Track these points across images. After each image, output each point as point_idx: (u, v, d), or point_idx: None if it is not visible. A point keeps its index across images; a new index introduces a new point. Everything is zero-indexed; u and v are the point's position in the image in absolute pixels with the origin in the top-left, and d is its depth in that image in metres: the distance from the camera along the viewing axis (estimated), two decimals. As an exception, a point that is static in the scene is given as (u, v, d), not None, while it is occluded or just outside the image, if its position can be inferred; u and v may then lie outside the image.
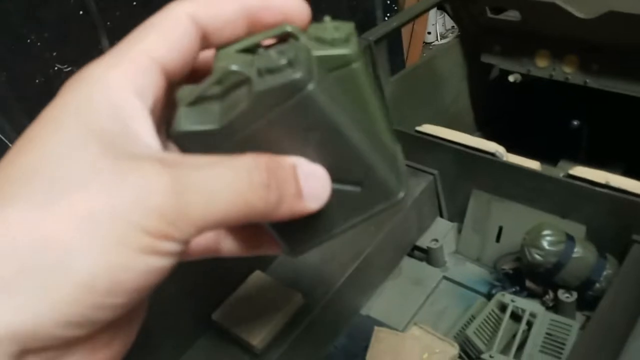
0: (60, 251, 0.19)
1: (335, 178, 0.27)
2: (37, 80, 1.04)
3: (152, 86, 0.24)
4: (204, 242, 0.28)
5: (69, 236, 0.20)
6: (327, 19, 0.26)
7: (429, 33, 2.74)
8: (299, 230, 0.28)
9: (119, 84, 0.23)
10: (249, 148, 0.25)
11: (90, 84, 0.23)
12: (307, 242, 0.29)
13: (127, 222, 0.20)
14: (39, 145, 0.21)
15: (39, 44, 1.02)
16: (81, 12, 1.05)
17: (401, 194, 0.28)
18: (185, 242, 0.22)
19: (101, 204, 0.20)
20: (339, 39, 0.25)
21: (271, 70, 0.24)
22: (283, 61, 0.23)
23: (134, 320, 0.25)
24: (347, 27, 0.26)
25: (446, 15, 2.65)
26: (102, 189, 0.20)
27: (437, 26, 2.77)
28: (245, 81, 0.25)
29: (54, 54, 1.05)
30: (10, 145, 1.02)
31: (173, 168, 0.21)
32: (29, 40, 1.01)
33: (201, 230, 0.22)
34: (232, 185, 0.23)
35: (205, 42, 0.25)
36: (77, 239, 0.20)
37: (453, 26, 2.69)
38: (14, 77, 1.01)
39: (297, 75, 0.23)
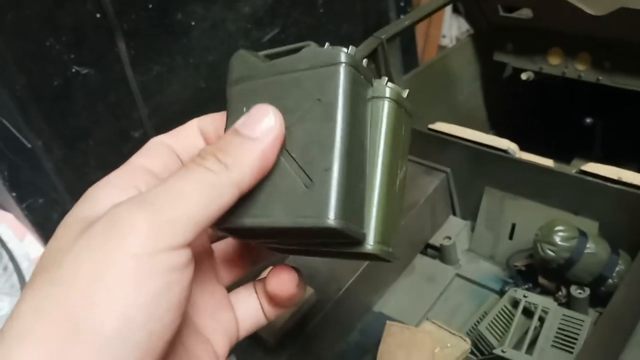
0: None
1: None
2: (55, 83, 1.06)
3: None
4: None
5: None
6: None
7: (444, 36, 2.73)
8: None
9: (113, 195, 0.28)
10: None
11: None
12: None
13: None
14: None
15: (57, 47, 1.04)
16: (98, 15, 1.06)
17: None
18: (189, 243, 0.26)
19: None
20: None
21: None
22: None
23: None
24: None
25: (461, 18, 2.64)
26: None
27: (452, 29, 2.76)
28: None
29: (72, 56, 1.07)
30: (28, 145, 1.04)
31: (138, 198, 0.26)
32: (47, 44, 1.03)
33: (197, 227, 0.26)
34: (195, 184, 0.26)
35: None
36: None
37: (468, 29, 2.69)
38: (33, 79, 1.02)
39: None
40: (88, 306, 0.22)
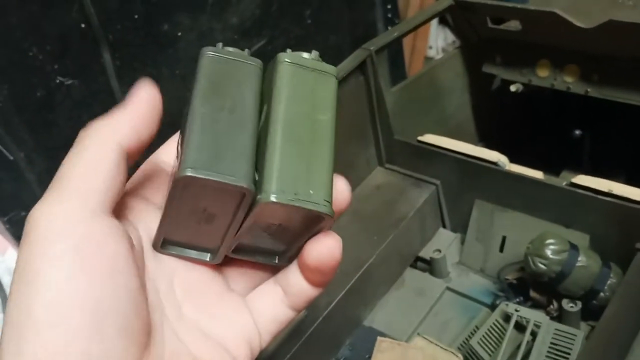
0: None
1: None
2: (38, 94, 1.04)
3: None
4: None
5: None
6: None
7: (430, 47, 2.75)
8: None
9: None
10: None
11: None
12: None
13: None
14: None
15: (40, 57, 1.02)
16: (83, 26, 1.05)
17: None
18: None
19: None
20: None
21: None
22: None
23: None
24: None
25: (447, 29, 2.66)
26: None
27: (439, 40, 2.77)
28: None
29: (56, 67, 1.05)
30: (10, 157, 1.02)
31: None
32: (30, 54, 1.01)
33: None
34: None
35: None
36: None
37: (454, 41, 2.70)
38: (16, 90, 1.01)
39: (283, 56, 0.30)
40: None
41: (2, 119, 0.99)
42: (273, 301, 0.33)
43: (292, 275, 0.32)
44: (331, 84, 0.31)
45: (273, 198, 0.27)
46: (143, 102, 0.29)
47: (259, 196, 0.27)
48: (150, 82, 0.30)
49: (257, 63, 0.31)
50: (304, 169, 0.28)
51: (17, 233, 1.04)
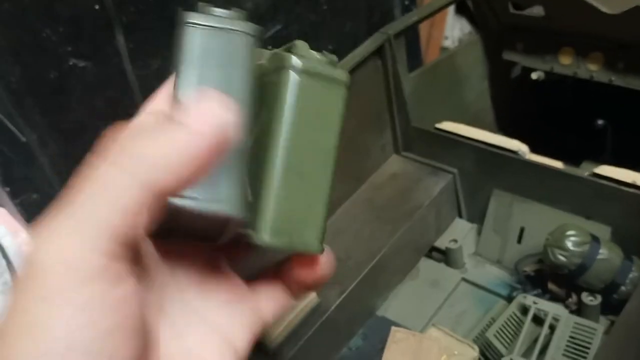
0: None
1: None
2: (51, 76, 1.03)
3: None
4: None
5: None
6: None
7: (446, 38, 2.71)
8: None
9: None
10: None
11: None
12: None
13: None
14: None
15: (53, 38, 1.01)
16: (97, 7, 1.04)
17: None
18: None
19: None
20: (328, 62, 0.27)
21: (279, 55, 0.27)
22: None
23: None
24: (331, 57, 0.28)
25: (464, 20, 2.63)
26: None
27: (455, 31, 2.74)
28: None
29: (69, 49, 1.04)
30: (23, 139, 1.01)
31: None
32: (44, 35, 1.00)
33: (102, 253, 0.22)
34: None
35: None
36: None
37: (471, 31, 2.66)
38: (28, 71, 1.00)
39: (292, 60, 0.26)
40: None
41: (15, 101, 0.99)
42: (274, 288, 0.32)
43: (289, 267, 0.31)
44: (340, 97, 0.28)
45: (267, 239, 0.26)
46: (210, 136, 0.22)
47: (251, 231, 0.26)
48: (232, 105, 0.23)
49: (249, 30, 0.26)
50: (301, 204, 0.27)
51: (28, 216, 1.03)
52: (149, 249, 0.29)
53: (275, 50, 0.29)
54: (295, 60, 0.26)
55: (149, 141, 0.22)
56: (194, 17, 0.25)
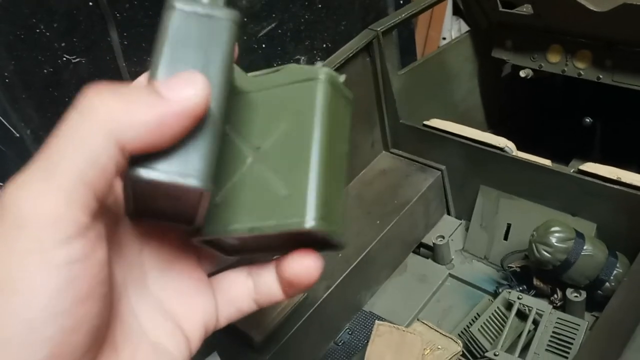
0: None
1: (272, 161, 0.29)
2: (45, 70, 1.04)
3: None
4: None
5: None
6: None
7: (444, 38, 2.72)
8: (214, 213, 0.29)
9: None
10: None
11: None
12: (206, 229, 0.29)
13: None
14: None
15: (48, 34, 1.02)
16: (90, 3, 1.05)
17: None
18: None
19: None
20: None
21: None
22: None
23: None
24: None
25: (462, 21, 2.63)
26: None
27: (453, 31, 2.74)
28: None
29: (63, 44, 1.05)
30: (16, 134, 1.02)
31: None
32: (38, 30, 1.01)
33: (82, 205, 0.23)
34: None
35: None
36: None
37: (468, 31, 2.66)
38: (22, 66, 1.01)
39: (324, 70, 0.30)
40: None
41: (9, 95, 0.99)
42: (241, 292, 0.33)
43: (267, 275, 0.32)
44: (350, 112, 0.33)
45: (315, 224, 0.28)
46: (178, 104, 0.24)
47: (298, 219, 0.28)
48: (204, 80, 0.25)
49: (230, 17, 0.28)
50: (333, 196, 0.29)
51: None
52: (126, 227, 0.30)
53: (283, 66, 0.32)
54: (325, 72, 0.30)
55: (119, 98, 0.24)
56: (178, 2, 0.27)
